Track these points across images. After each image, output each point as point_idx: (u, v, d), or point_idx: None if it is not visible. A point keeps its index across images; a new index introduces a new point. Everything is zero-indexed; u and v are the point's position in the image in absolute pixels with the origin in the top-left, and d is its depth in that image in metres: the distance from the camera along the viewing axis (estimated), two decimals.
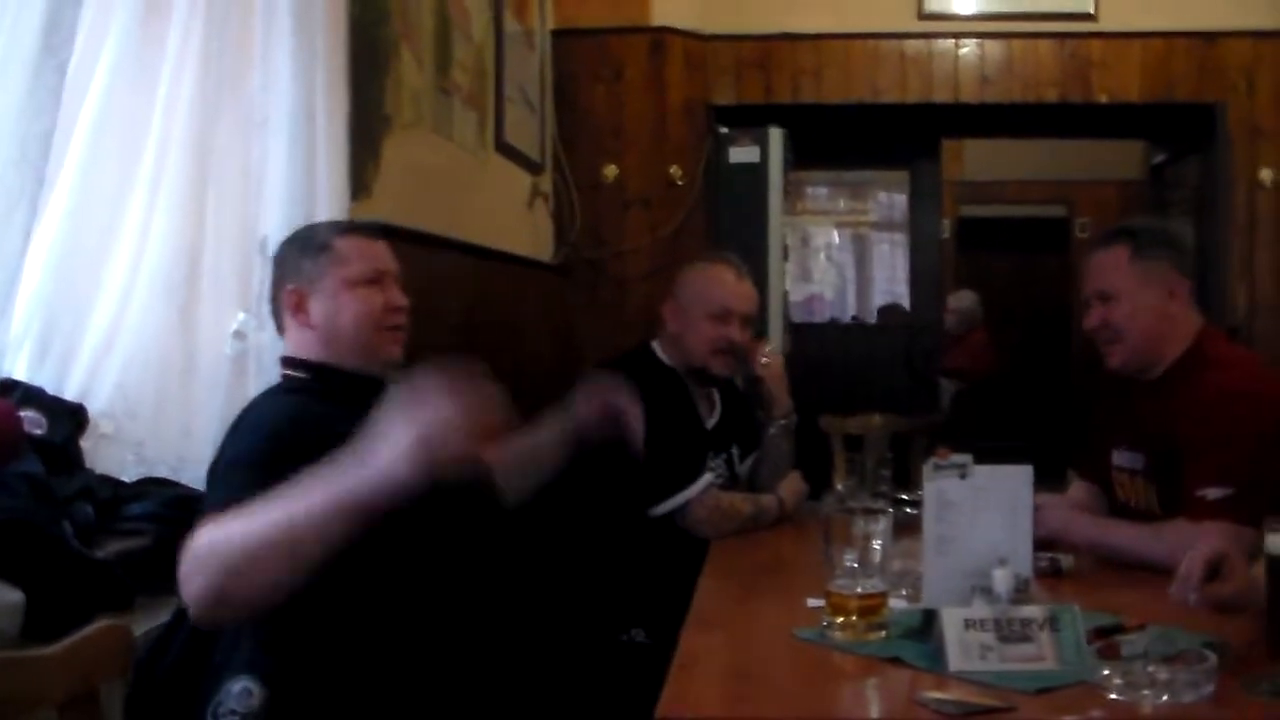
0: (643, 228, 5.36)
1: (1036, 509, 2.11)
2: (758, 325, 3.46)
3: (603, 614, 2.91)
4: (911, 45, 5.64)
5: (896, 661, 1.83)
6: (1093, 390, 3.33)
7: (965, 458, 2.04)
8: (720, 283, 3.21)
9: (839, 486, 2.98)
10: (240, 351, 2.47)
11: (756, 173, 5.32)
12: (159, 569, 2.10)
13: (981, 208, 9.93)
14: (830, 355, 6.76)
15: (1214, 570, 2.00)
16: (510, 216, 4.59)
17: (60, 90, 2.07)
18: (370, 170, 3.03)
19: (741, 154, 5.34)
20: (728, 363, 3.20)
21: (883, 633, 1.93)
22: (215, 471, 2.02)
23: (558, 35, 5.24)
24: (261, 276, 2.41)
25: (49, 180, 2.12)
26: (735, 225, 5.25)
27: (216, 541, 1.75)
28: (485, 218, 4.17)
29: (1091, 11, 5.59)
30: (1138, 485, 2.68)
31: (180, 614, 2.01)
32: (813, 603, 2.09)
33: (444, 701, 2.08)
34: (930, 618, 1.86)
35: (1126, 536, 2.52)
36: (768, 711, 1.73)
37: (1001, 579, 1.92)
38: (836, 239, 8.19)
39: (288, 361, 2.23)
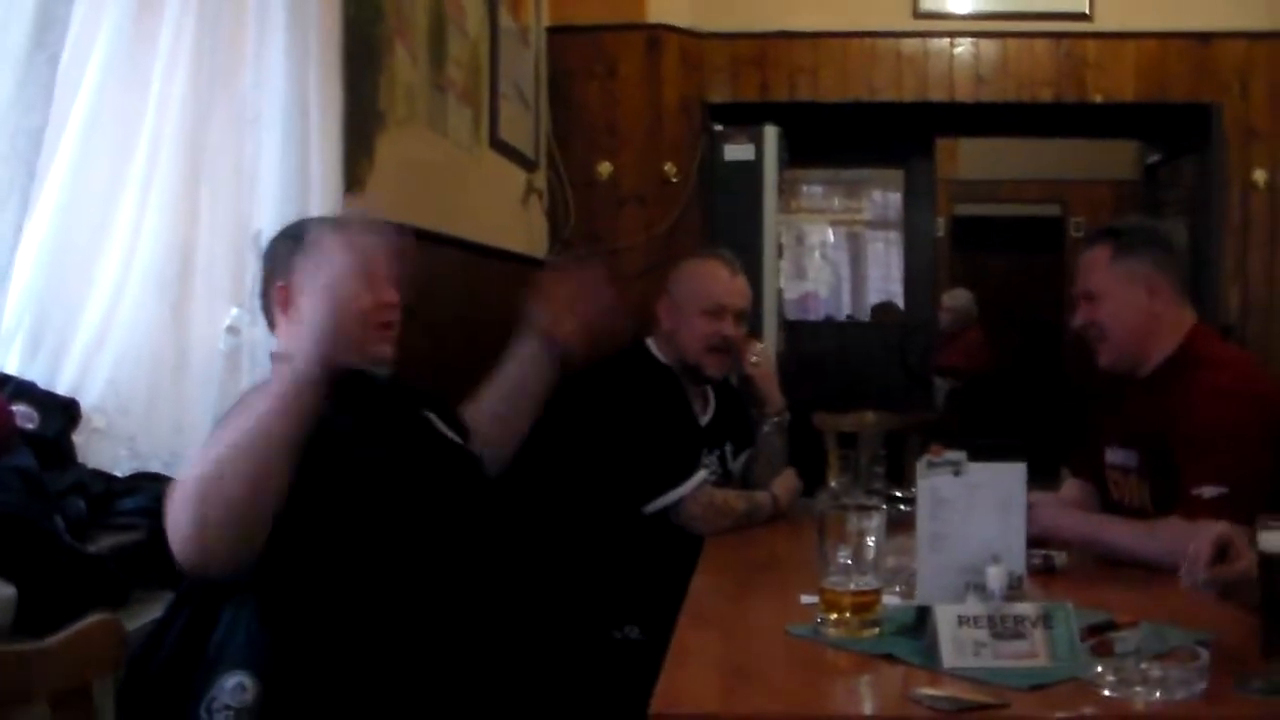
0: (637, 225, 5.35)
1: (1030, 507, 2.11)
2: (751, 322, 3.47)
3: (597, 610, 2.91)
4: (907, 44, 5.64)
5: (890, 658, 1.83)
6: (1086, 388, 3.34)
7: (959, 455, 2.04)
8: (714, 278, 3.21)
9: (833, 483, 2.97)
10: (233, 347, 2.47)
11: (752, 171, 5.31)
12: (152, 564, 2.10)
13: (976, 207, 9.94)
14: (825, 353, 6.77)
15: (1221, 552, 2.01)
16: (504, 213, 4.59)
17: (52, 85, 2.06)
18: (364, 166, 3.03)
19: (737, 152, 5.33)
20: (720, 363, 3.20)
21: (876, 629, 1.93)
22: None
23: (553, 32, 5.23)
24: (254, 272, 2.40)
25: (41, 175, 2.11)
26: (730, 223, 5.25)
27: (188, 479, 1.80)
28: (479, 214, 4.16)
29: (1086, 11, 5.59)
30: (1131, 483, 2.68)
31: (173, 609, 2.00)
32: (806, 599, 2.09)
33: (438, 697, 2.08)
34: (924, 614, 1.87)
35: (1120, 534, 2.53)
36: (761, 708, 1.73)
37: (995, 576, 1.92)
38: (831, 237, 8.20)
39: (279, 357, 2.22)
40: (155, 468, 2.31)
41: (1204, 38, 5.55)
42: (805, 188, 7.95)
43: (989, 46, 5.64)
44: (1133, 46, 5.58)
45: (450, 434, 2.46)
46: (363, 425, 2.20)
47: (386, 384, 2.35)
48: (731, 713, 1.71)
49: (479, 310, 3.97)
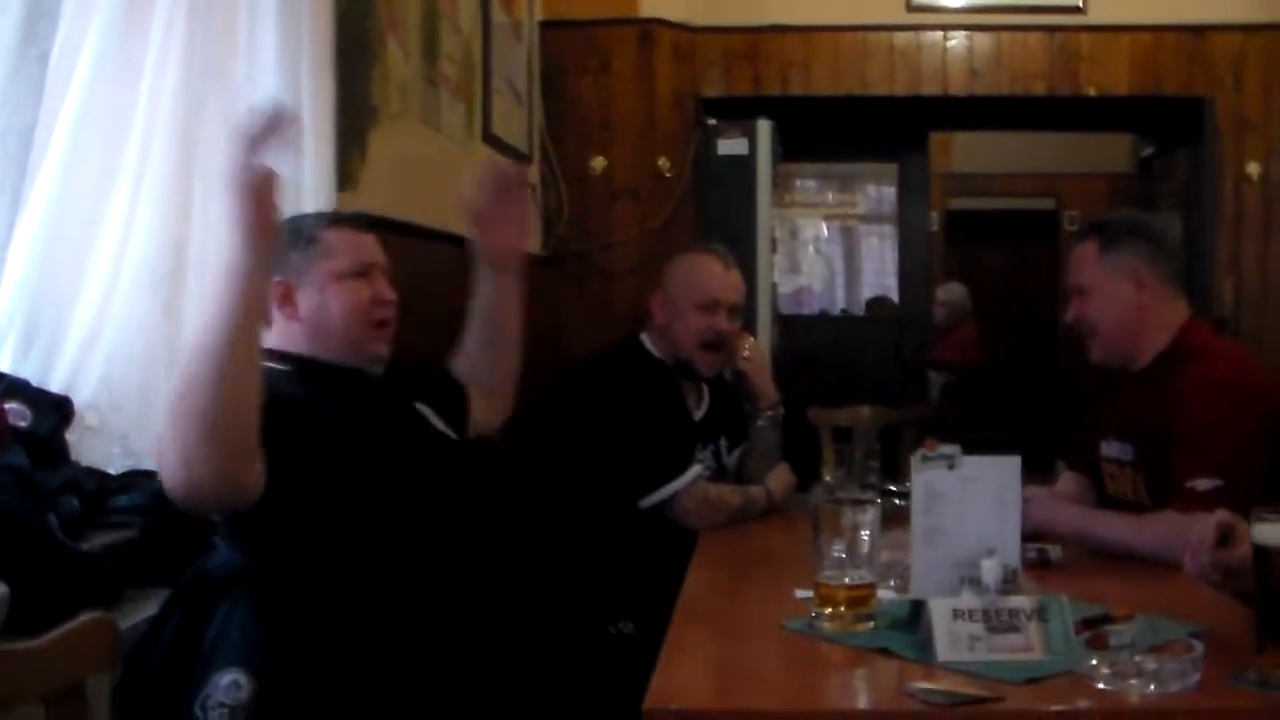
0: (631, 220, 5.35)
1: (1024, 502, 2.11)
2: (745, 317, 3.47)
3: (591, 606, 2.91)
4: (900, 37, 5.64)
5: (885, 652, 1.83)
6: (1081, 382, 3.34)
7: (953, 449, 2.04)
8: (707, 273, 3.21)
9: (827, 478, 2.97)
10: None
11: (745, 165, 5.30)
12: (145, 561, 2.10)
13: (970, 200, 9.94)
14: (819, 347, 6.76)
15: (1224, 537, 2.01)
16: None
17: (43, 81, 2.06)
18: (357, 162, 3.02)
19: (730, 146, 5.33)
20: (713, 360, 3.20)
21: (871, 623, 1.93)
22: None
23: (546, 26, 5.23)
24: None
25: (32, 172, 2.11)
26: (724, 217, 5.24)
27: (168, 405, 1.84)
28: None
29: (1080, 4, 5.59)
30: (1126, 476, 2.69)
31: (168, 606, 2.00)
32: (801, 594, 2.09)
33: (433, 692, 2.08)
34: (918, 608, 1.87)
35: (1115, 528, 2.53)
36: (756, 703, 1.73)
37: (989, 570, 1.92)
38: (825, 231, 8.19)
39: (268, 354, 2.21)
40: (148, 465, 2.30)
41: (1197, 30, 5.55)
42: (799, 182, 7.94)
43: (982, 40, 5.64)
44: (1126, 39, 5.58)
45: (443, 428, 2.45)
46: (355, 421, 2.20)
47: (380, 381, 2.35)
48: (726, 707, 1.71)
49: None
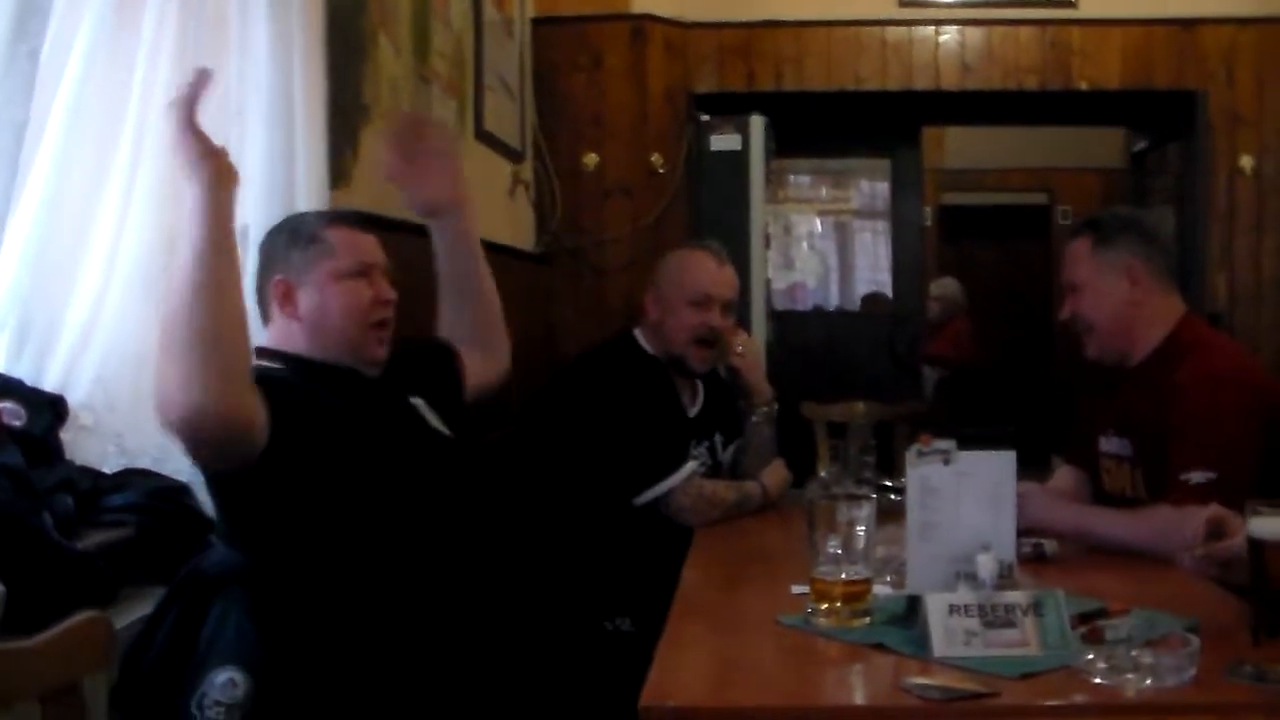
0: (624, 216, 5.34)
1: (1020, 498, 2.11)
2: (739, 313, 3.47)
3: (588, 603, 2.91)
4: (892, 33, 5.64)
5: (881, 648, 1.83)
6: (1077, 377, 3.35)
7: (948, 444, 2.04)
8: (700, 269, 3.21)
9: (822, 474, 2.97)
10: None
11: (738, 161, 5.30)
12: (141, 560, 2.09)
13: (963, 195, 9.94)
14: (813, 343, 6.77)
15: (1216, 531, 2.01)
16: (491, 205, 4.57)
17: (33, 79, 2.05)
18: (349, 159, 3.02)
19: (723, 142, 5.33)
20: (706, 356, 3.20)
21: (867, 619, 1.93)
22: None
23: (537, 23, 5.22)
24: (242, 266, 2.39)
25: (24, 169, 2.10)
26: (717, 213, 5.24)
27: (160, 340, 1.90)
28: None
29: None
30: (1124, 471, 2.69)
31: (163, 605, 2.00)
32: (797, 589, 2.09)
33: (429, 689, 2.08)
34: (914, 604, 1.87)
35: (1110, 524, 2.53)
36: (752, 699, 1.73)
37: (985, 565, 1.92)
38: (819, 227, 8.18)
39: (262, 352, 2.21)
40: (143, 464, 2.30)
41: (1189, 24, 5.56)
42: (792, 178, 7.93)
43: (974, 34, 5.64)
44: (1118, 33, 5.58)
45: (438, 424, 2.45)
46: (350, 421, 2.20)
47: (375, 379, 2.34)
48: (723, 703, 1.71)
49: None
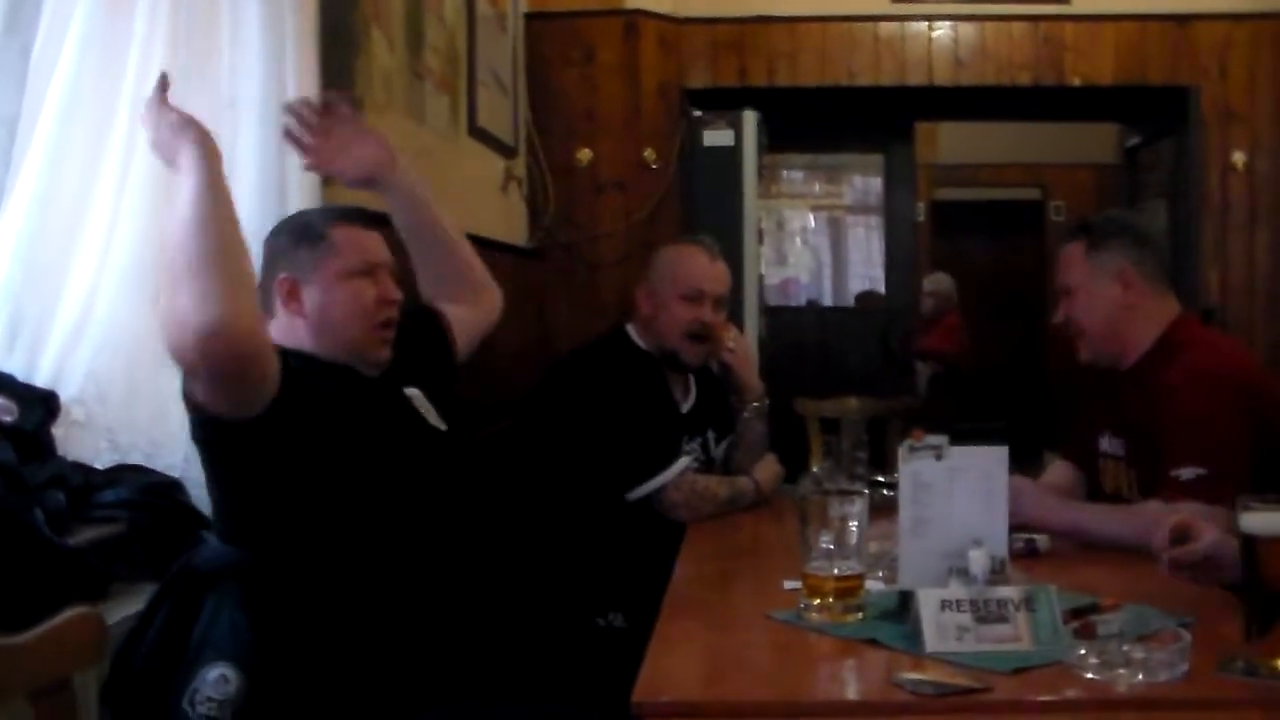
0: (617, 211, 5.34)
1: (1011, 493, 2.11)
2: (732, 308, 3.47)
3: (580, 598, 2.91)
4: (885, 28, 5.63)
5: (873, 643, 1.83)
6: (1070, 374, 3.35)
7: (941, 439, 2.04)
8: (693, 264, 3.21)
9: (815, 469, 2.98)
10: None
11: (731, 156, 5.30)
12: (132, 556, 2.09)
13: (956, 191, 9.96)
14: (806, 338, 6.77)
15: (1181, 537, 2.02)
16: (483, 200, 4.57)
17: (25, 72, 2.05)
18: None
19: (716, 137, 5.32)
20: (698, 351, 3.20)
21: (859, 614, 1.94)
22: None
23: (530, 18, 5.21)
24: None
25: (16, 164, 2.10)
26: (710, 209, 5.23)
27: (168, 277, 1.93)
28: (458, 202, 4.13)
29: None
30: (1120, 471, 2.70)
31: (155, 601, 2.00)
32: (789, 585, 2.09)
33: (422, 685, 2.07)
34: (906, 599, 1.87)
35: (1101, 519, 2.53)
36: (745, 694, 1.73)
37: (977, 560, 1.93)
38: (812, 222, 8.18)
39: None
40: (135, 459, 2.29)
41: (1182, 20, 5.56)
42: (785, 173, 7.93)
43: (967, 30, 5.63)
44: (1111, 29, 5.57)
45: (432, 415, 2.44)
46: (348, 417, 2.19)
47: (373, 378, 2.34)
48: (715, 699, 1.71)
49: None
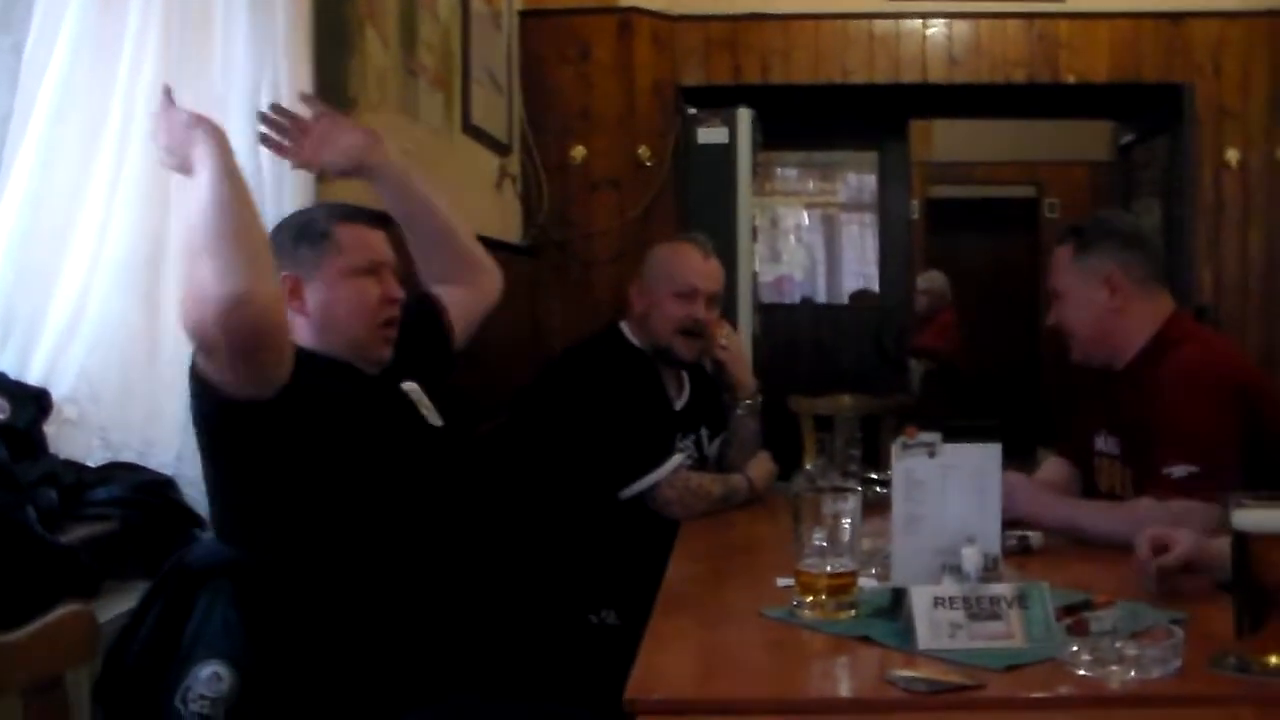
0: (611, 209, 5.34)
1: (1009, 492, 2.12)
2: (726, 306, 3.47)
3: (573, 596, 2.91)
4: (880, 25, 5.63)
5: (866, 640, 1.83)
6: (1064, 372, 3.35)
7: (934, 437, 2.04)
8: (686, 261, 3.21)
9: (808, 466, 2.98)
10: None
11: (725, 154, 5.30)
12: (125, 554, 2.09)
13: (950, 188, 9.96)
14: (800, 336, 6.77)
15: (1160, 548, 2.03)
16: (478, 198, 4.57)
17: (16, 71, 2.04)
18: None
19: (710, 135, 5.32)
20: (691, 345, 3.20)
21: (852, 611, 1.94)
22: None
23: (525, 16, 5.21)
24: None
25: (7, 163, 2.09)
26: (704, 206, 5.23)
27: (188, 260, 1.97)
28: (452, 199, 4.10)
29: None
30: (1115, 470, 2.70)
31: (148, 599, 2.00)
32: (782, 582, 2.09)
33: (415, 683, 2.07)
34: (899, 596, 1.87)
35: (1095, 518, 2.54)
36: (738, 691, 1.73)
37: (970, 557, 1.92)
38: (806, 220, 8.18)
39: None
40: (128, 457, 2.29)
41: (1176, 18, 5.56)
42: (779, 170, 7.93)
43: (962, 27, 5.63)
44: (1105, 27, 5.58)
45: (429, 412, 2.44)
46: (346, 414, 2.19)
47: (372, 375, 2.34)
48: (708, 696, 1.71)
49: None
